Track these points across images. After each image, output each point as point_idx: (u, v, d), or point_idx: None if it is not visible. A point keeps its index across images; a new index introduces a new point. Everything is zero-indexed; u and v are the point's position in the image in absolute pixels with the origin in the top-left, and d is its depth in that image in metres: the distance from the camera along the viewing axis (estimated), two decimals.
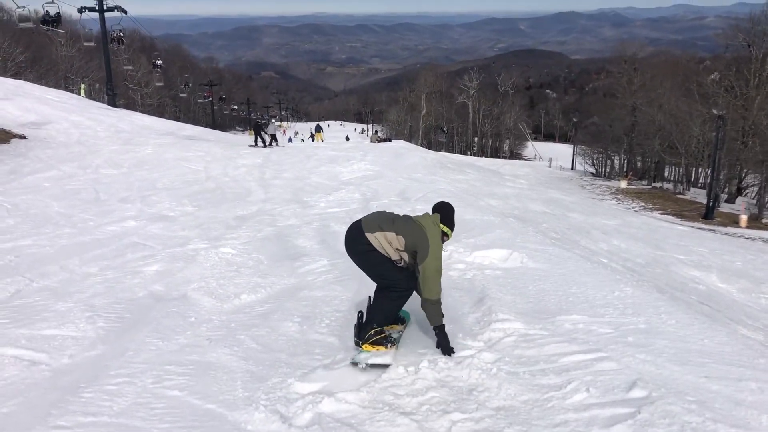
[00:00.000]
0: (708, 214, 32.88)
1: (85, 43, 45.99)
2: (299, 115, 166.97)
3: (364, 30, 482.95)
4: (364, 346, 4.83)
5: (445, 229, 5.03)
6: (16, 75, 47.21)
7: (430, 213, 5.14)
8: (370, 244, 4.80)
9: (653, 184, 47.68)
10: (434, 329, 4.80)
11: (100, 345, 4.84)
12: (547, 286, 6.31)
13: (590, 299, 5.76)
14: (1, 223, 11.20)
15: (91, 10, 38.96)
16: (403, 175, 19.26)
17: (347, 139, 66.96)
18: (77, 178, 17.16)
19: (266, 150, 27.38)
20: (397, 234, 4.78)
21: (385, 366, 4.57)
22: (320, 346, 4.84)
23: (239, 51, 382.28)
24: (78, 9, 39.24)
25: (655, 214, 32.73)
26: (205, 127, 58.12)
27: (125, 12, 40.34)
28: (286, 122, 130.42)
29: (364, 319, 4.98)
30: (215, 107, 78.04)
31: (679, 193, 42.80)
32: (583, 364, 4.10)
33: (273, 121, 41.59)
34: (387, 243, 4.79)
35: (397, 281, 4.91)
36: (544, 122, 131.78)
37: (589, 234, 15.62)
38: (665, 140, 45.28)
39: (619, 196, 39.94)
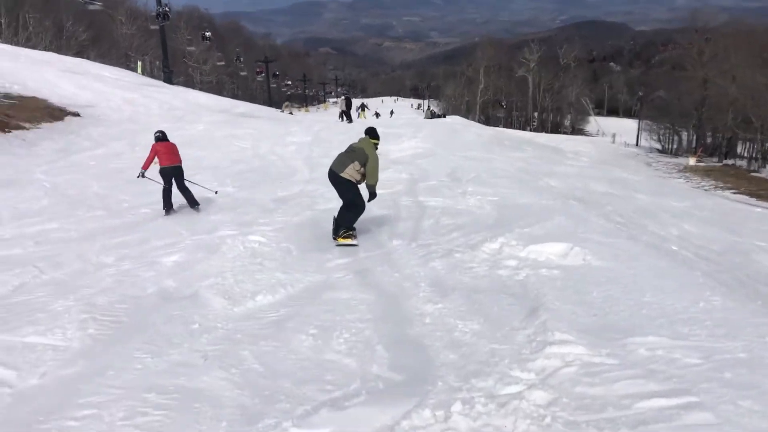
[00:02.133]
0: None
1: (151, 27, 46.06)
2: (355, 91, 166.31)
3: (424, 3, 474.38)
4: (339, 239, 7.85)
5: (374, 141, 8.17)
6: (79, 53, 47.99)
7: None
8: (344, 178, 7.81)
9: (724, 161, 44.83)
10: (370, 191, 7.92)
11: (80, 360, 4.15)
12: (615, 291, 5.26)
13: (669, 312, 4.69)
14: (36, 204, 10.87)
15: None
16: (456, 153, 18.20)
17: (392, 113, 65.83)
18: (124, 156, 16.89)
19: (306, 124, 26.87)
20: (353, 162, 7.80)
21: (355, 245, 7.72)
22: (334, 369, 3.99)
23: (298, 27, 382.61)
24: None
25: (727, 193, 30.58)
26: (262, 104, 58.07)
27: None
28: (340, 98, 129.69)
29: (337, 223, 7.95)
30: (273, 85, 77.91)
31: (754, 171, 40.10)
32: (667, 413, 3.09)
33: (343, 97, 42.42)
34: (353, 171, 7.80)
35: (358, 202, 7.92)
36: (607, 96, 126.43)
37: (656, 217, 14.25)
38: (739, 114, 42.32)
39: (687, 174, 37.69)
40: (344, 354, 4.22)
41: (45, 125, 19.48)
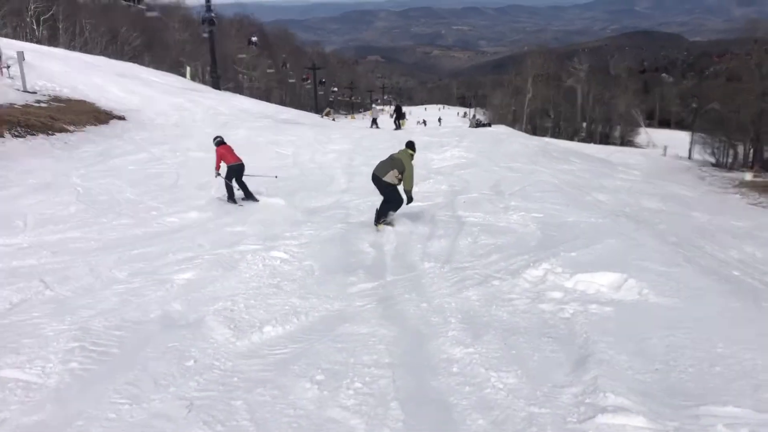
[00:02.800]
0: None
1: (202, 34, 46.49)
2: (402, 99, 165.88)
3: (475, 12, 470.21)
4: (378, 227, 9.51)
5: (411, 152, 9.68)
6: (132, 59, 48.86)
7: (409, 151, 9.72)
8: (386, 181, 9.31)
9: None
10: (408, 195, 9.43)
11: (49, 404, 3.62)
12: (679, 338, 4.44)
13: (749, 370, 3.85)
14: (64, 210, 10.59)
15: None
16: (499, 164, 17.39)
17: (439, 121, 65.01)
18: (164, 161, 16.67)
19: (347, 131, 26.50)
20: (392, 169, 9.33)
21: (387, 227, 9.51)
22: None
23: (348, 35, 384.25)
24: None
25: None
26: (309, 111, 58.03)
27: None
28: (387, 106, 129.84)
29: (378, 213, 9.59)
30: (321, 92, 78.01)
31: None
32: None
33: (375, 106, 43.56)
34: (392, 176, 9.30)
35: (396, 198, 9.44)
36: (659, 108, 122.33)
37: (714, 238, 13.14)
38: None
39: (743, 190, 35.53)
40: (351, 411, 3.56)
41: (89, 128, 19.49)
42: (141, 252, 7.89)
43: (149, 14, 37.37)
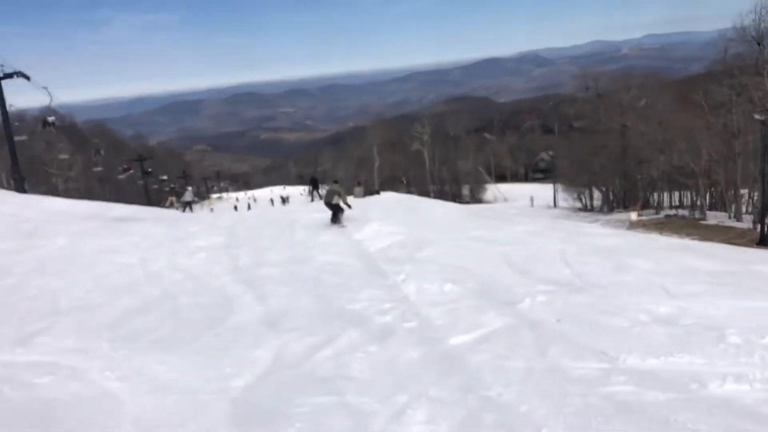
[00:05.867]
0: (765, 240, 28.04)
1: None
2: (239, 184, 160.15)
3: (298, 94, 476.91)
4: (334, 225, 15.83)
5: (338, 186, 17.56)
6: None
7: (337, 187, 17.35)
8: (334, 203, 16.27)
9: (664, 213, 42.42)
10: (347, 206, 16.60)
11: None
12: None
13: None
14: None
15: None
16: (460, 236, 12.42)
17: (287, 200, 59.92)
18: None
19: (209, 219, 20.58)
20: (335, 196, 16.36)
21: (343, 227, 15.71)
22: None
23: (173, 126, 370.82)
24: None
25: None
26: (142, 206, 50.06)
27: (28, 78, 33.00)
28: (225, 193, 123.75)
29: (333, 220, 16.27)
30: (155, 186, 69.53)
31: (701, 219, 37.73)
32: None
33: (189, 189, 41.98)
34: (337, 199, 16.30)
35: (341, 210, 16.27)
36: (493, 164, 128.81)
37: None
38: (670, 159, 40.44)
39: (639, 230, 34.30)
40: None
41: None
42: None
43: None
